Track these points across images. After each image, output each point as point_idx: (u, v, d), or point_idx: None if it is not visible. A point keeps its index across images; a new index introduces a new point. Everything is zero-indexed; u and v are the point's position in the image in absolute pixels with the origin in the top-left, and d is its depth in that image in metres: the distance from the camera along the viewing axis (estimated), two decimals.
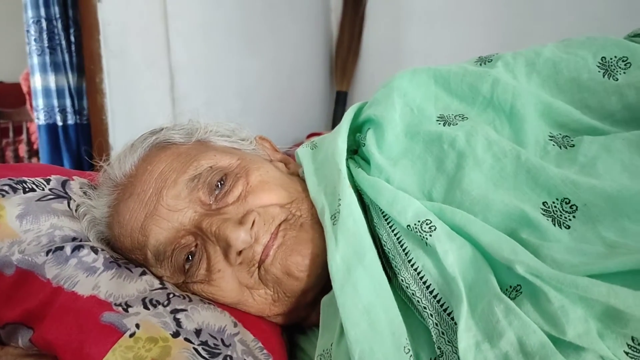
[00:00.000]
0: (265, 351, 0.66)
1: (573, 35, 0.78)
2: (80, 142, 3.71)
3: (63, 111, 3.72)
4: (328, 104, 2.94)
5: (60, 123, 3.69)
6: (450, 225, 0.59)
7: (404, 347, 0.55)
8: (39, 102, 3.68)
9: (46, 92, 3.71)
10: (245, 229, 0.64)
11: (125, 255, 0.72)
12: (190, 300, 0.67)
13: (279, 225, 0.67)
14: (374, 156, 0.70)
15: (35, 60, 3.67)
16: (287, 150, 0.88)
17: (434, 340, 0.55)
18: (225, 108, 2.49)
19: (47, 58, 3.66)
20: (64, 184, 0.78)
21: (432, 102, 0.73)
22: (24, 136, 3.76)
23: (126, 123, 2.26)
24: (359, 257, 0.60)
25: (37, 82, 3.66)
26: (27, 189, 0.73)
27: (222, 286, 0.68)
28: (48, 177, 0.77)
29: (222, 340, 0.63)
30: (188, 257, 0.68)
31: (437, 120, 0.70)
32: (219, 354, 0.61)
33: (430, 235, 0.58)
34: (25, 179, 0.74)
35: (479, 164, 0.63)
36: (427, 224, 0.59)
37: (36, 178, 0.76)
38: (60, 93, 3.69)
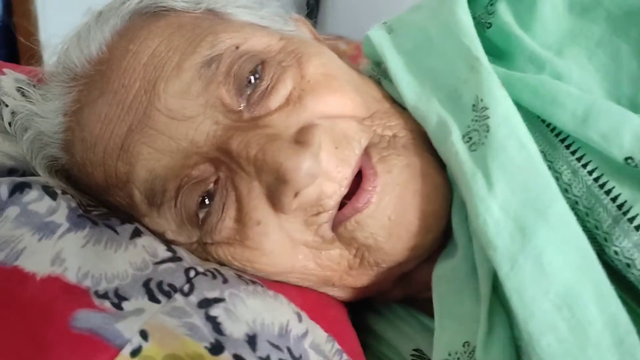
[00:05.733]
0: (345, 356, 0.41)
1: None
2: None
3: None
4: None
5: None
6: None
7: None
8: None
9: None
10: (312, 153, 0.38)
11: (97, 196, 0.44)
12: (226, 281, 0.39)
13: (367, 150, 0.42)
14: (522, 41, 0.43)
15: None
16: None
17: None
18: None
19: None
20: None
21: None
22: None
23: None
24: (539, 209, 0.35)
25: None
26: None
27: (264, 248, 0.41)
28: None
29: (289, 350, 0.37)
30: (204, 199, 0.41)
31: None
32: None
33: None
34: None
35: None
36: None
37: None
38: None
